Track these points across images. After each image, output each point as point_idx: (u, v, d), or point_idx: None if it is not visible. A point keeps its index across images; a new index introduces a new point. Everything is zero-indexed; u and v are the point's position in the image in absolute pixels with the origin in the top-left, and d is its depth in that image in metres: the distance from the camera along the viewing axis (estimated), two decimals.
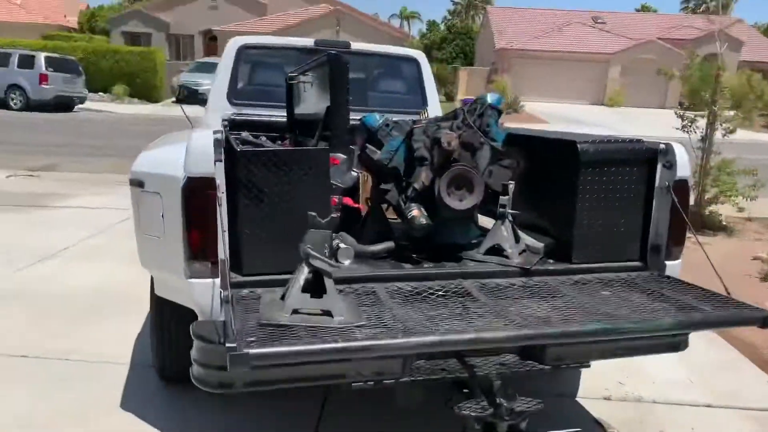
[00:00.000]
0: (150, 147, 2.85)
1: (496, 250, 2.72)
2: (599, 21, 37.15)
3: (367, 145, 2.72)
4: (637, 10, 50.49)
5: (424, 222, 2.52)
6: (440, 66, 32.76)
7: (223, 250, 2.10)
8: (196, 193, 2.11)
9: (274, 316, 1.89)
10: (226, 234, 2.17)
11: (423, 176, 2.58)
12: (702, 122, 7.89)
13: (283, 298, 1.99)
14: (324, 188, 2.31)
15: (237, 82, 4.71)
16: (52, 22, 36.59)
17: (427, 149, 2.61)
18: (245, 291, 2.19)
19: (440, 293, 2.35)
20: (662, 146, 2.67)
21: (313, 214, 1.98)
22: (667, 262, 2.72)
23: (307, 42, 4.94)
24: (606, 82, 32.87)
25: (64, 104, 20.66)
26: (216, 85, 4.76)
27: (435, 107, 5.02)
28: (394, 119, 2.77)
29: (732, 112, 7.98)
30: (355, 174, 3.57)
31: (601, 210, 2.69)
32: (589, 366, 2.46)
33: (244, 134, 3.44)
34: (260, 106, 4.45)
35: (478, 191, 2.58)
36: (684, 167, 2.65)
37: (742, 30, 31.59)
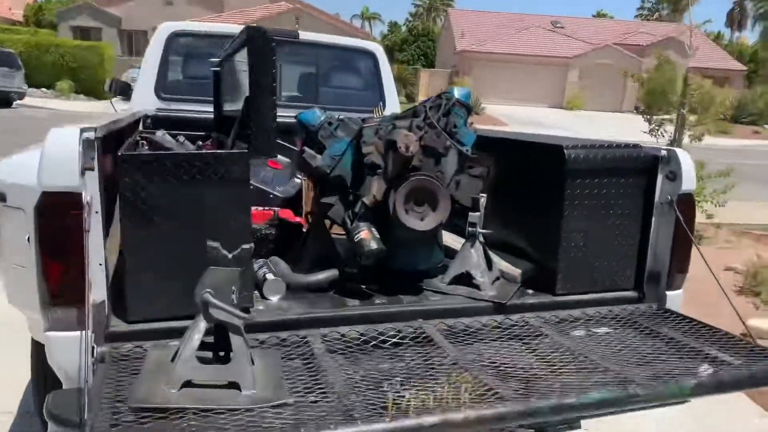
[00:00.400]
0: (23, 149, 2.23)
1: (465, 278, 2.22)
2: (558, 25, 37.40)
3: (304, 148, 2.17)
4: (594, 16, 51.27)
5: (375, 247, 1.99)
6: (401, 67, 32.42)
7: (93, 291, 1.52)
8: (54, 214, 1.53)
9: (153, 393, 1.32)
10: (103, 268, 1.59)
11: (375, 188, 2.05)
12: (669, 127, 7.64)
13: (174, 360, 1.42)
14: (240, 206, 1.75)
15: (166, 73, 4.10)
16: None
17: (380, 154, 2.08)
18: (128, 346, 1.61)
19: (395, 340, 1.82)
20: (664, 153, 2.21)
21: (214, 244, 1.42)
22: (667, 293, 2.26)
23: None
24: (565, 85, 33.07)
25: (1, 100, 19.32)
26: (142, 77, 4.16)
27: (394, 106, 4.51)
28: (339, 116, 2.23)
29: (693, 117, 7.75)
30: (299, 182, 3.02)
31: (590, 229, 2.21)
32: (579, 427, 1.97)
33: (160, 134, 2.85)
34: (193, 101, 3.87)
35: (443, 207, 2.06)
36: (690, 178, 2.19)
37: (693, 37, 32.12)
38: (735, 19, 53.84)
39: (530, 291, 2.25)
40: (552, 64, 32.85)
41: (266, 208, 2.87)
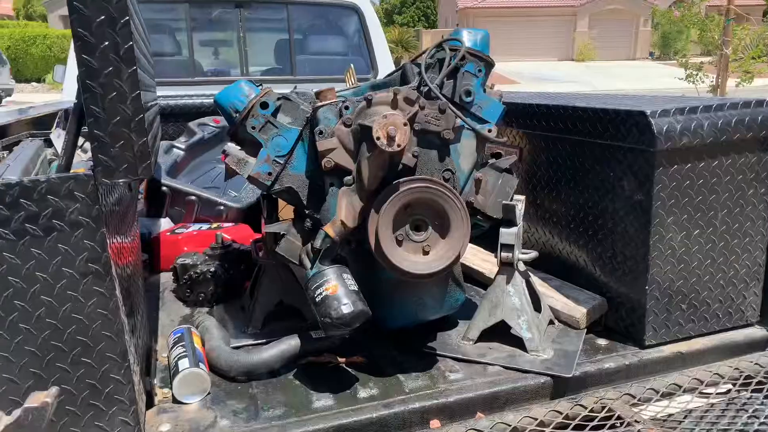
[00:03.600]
0: None
1: (500, 331, 1.42)
2: None
3: (228, 145, 1.36)
4: None
5: (349, 311, 1.18)
6: (402, 30, 31.13)
7: None
8: None
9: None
10: None
11: (343, 208, 1.24)
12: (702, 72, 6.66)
13: None
14: (95, 277, 0.95)
15: None
16: None
17: (348, 151, 1.26)
18: None
19: None
20: None
21: None
22: None
23: None
24: (574, 36, 31.50)
25: None
26: (73, 56, 3.37)
27: (388, 72, 3.68)
28: (280, 91, 1.40)
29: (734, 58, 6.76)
30: None
31: (694, 241, 1.40)
32: None
33: (55, 135, 2.05)
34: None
35: (458, 229, 1.25)
36: None
37: None
38: None
39: (603, 342, 1.45)
40: (559, 14, 31.26)
41: (211, 225, 2.09)
